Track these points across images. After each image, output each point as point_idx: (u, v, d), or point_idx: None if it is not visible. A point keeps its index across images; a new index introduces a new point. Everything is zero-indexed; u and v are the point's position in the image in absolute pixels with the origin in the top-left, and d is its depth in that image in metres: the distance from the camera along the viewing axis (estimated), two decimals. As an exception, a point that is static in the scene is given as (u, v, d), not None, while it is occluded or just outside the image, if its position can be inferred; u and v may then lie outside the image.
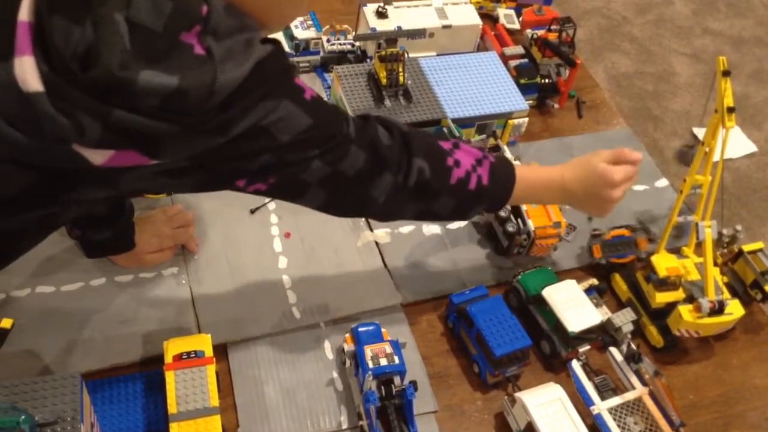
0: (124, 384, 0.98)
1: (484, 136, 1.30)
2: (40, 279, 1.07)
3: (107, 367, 0.99)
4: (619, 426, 0.96)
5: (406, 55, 1.31)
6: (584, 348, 1.05)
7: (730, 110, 0.99)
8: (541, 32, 1.50)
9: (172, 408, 0.88)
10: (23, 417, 0.72)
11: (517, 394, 0.97)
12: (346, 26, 1.45)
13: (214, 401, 0.90)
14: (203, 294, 1.09)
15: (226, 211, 1.20)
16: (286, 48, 1.40)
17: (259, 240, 1.17)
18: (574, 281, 1.09)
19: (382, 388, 0.95)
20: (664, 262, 1.08)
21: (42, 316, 1.03)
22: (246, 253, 1.15)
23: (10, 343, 0.93)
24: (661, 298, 1.08)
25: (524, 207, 1.17)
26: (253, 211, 1.21)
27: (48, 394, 0.79)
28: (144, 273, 1.10)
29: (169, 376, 0.91)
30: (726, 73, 1.00)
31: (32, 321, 1.01)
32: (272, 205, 1.22)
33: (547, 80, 1.43)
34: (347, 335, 1.02)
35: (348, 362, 1.01)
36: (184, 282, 1.10)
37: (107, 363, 0.99)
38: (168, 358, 0.93)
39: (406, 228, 1.22)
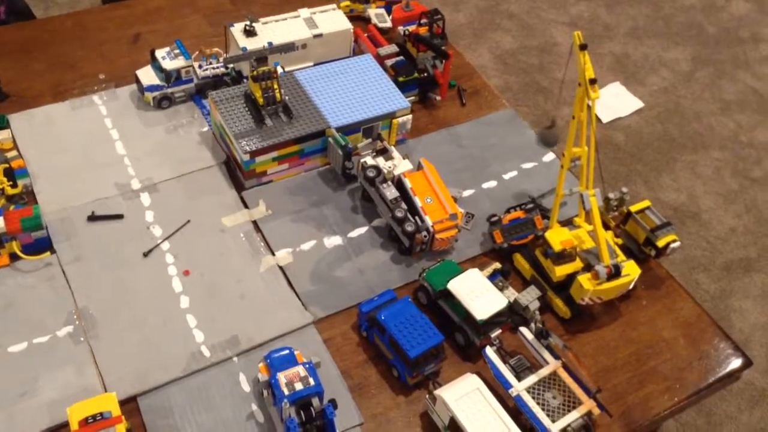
0: (31, 460, 0.93)
1: (370, 139, 1.30)
2: None
3: (11, 445, 0.94)
4: (538, 403, 0.98)
5: (279, 71, 1.29)
6: (496, 333, 1.07)
7: (592, 82, 1.02)
8: (412, 27, 1.51)
9: (83, 477, 0.85)
10: None
11: (437, 392, 0.98)
12: (216, 49, 1.42)
13: (129, 461, 0.87)
14: (104, 349, 1.04)
15: (117, 258, 1.15)
16: (157, 81, 1.36)
17: (156, 282, 1.14)
18: (476, 270, 1.10)
19: (302, 412, 0.93)
20: (557, 236, 1.11)
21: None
22: (144, 299, 1.11)
23: None
24: (561, 270, 1.11)
25: (419, 203, 1.18)
26: (146, 254, 1.17)
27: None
28: (38, 338, 1.05)
29: (77, 444, 0.87)
30: (583, 47, 1.03)
31: None
32: (166, 244, 1.18)
33: (425, 74, 1.44)
34: (261, 364, 1.00)
35: (265, 392, 0.99)
36: (81, 340, 1.05)
37: (13, 440, 0.94)
38: (74, 425, 0.89)
39: (307, 244, 1.21)
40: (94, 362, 1.03)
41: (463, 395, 0.97)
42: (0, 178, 1.20)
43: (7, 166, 1.23)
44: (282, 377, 0.95)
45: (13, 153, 1.27)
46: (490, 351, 1.04)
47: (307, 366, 0.97)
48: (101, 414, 0.90)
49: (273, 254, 1.19)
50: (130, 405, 0.99)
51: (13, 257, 1.12)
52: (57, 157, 1.29)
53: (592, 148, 1.08)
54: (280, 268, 1.17)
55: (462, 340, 1.09)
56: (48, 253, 1.14)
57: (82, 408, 0.91)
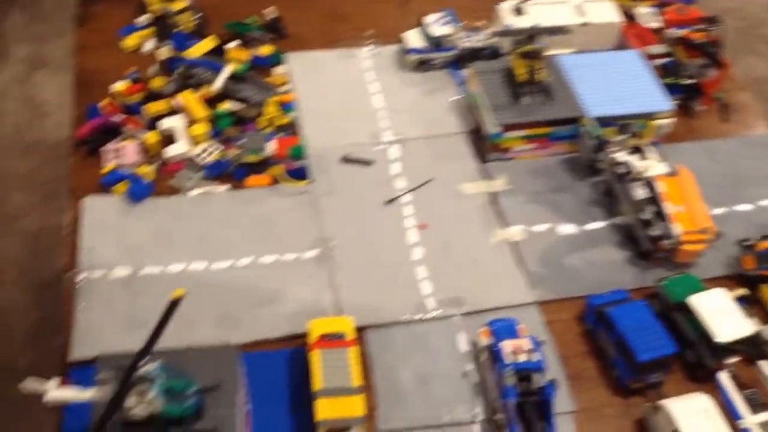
0: (268, 358, 1.01)
1: (625, 135, 1.26)
2: (194, 255, 1.13)
3: (250, 342, 1.03)
4: (771, 443, 0.92)
5: (546, 52, 1.29)
6: (732, 360, 1.01)
7: None
8: (684, 31, 1.45)
9: (317, 384, 0.91)
10: (189, 382, 0.77)
11: (662, 402, 0.94)
12: (483, 22, 1.45)
13: (357, 381, 0.92)
14: (341, 278, 1.11)
15: (361, 203, 1.22)
16: (422, 45, 1.42)
17: (393, 230, 1.19)
18: (723, 290, 1.04)
19: (521, 384, 0.94)
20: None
21: (194, 291, 1.08)
22: (381, 242, 1.17)
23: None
24: (821, 311, 1.02)
25: (670, 210, 1.13)
26: (388, 202, 1.23)
27: (208, 363, 0.83)
28: (287, 255, 1.14)
29: (315, 355, 0.94)
30: None
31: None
32: (407, 197, 1.23)
33: (693, 81, 1.37)
34: (483, 329, 1.02)
35: (483, 356, 1.01)
36: (324, 265, 1.13)
37: (252, 338, 1.04)
38: (312, 338, 0.96)
39: (542, 226, 1.21)
40: (331, 287, 1.10)
41: (691, 413, 0.92)
42: (274, 108, 1.32)
43: (279, 98, 1.35)
44: (507, 346, 0.96)
45: (286, 87, 1.39)
46: (723, 376, 0.98)
47: (533, 341, 0.98)
48: (338, 334, 0.97)
49: (506, 228, 1.20)
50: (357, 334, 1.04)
51: (276, 180, 1.23)
52: (321, 98, 1.38)
53: None
54: (512, 243, 1.18)
55: (692, 357, 1.04)
56: (305, 182, 1.23)
57: (322, 324, 0.98)
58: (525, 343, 0.97)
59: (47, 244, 2.03)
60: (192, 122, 1.27)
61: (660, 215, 1.14)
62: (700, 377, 1.04)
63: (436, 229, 1.20)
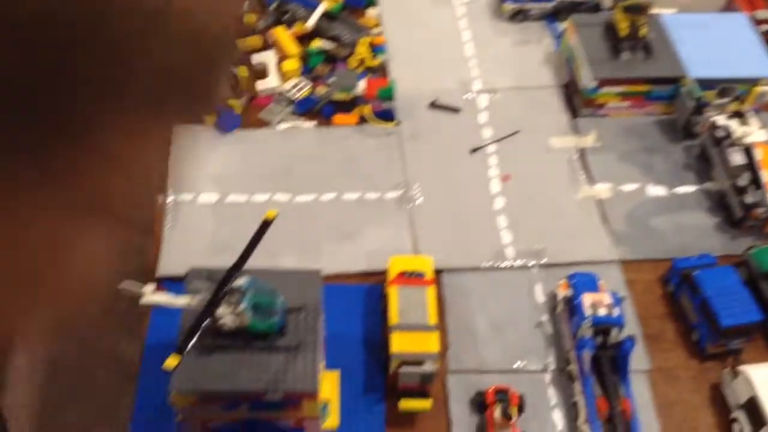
0: (345, 291, 1.04)
1: (726, 99, 1.21)
2: (278, 187, 1.15)
3: (331, 275, 1.05)
4: None
5: (651, 9, 1.25)
6: (823, 334, 0.97)
7: None
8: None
9: (393, 319, 0.93)
10: (279, 300, 0.79)
11: (742, 367, 0.92)
12: (584, -25, 1.40)
13: (433, 319, 0.93)
14: (422, 221, 1.12)
15: (446, 149, 1.22)
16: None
17: (477, 178, 1.19)
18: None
19: (598, 337, 0.93)
20: None
21: (277, 222, 1.11)
22: (464, 189, 1.17)
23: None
24: None
25: (767, 179, 1.09)
26: (473, 151, 1.22)
27: (293, 286, 0.85)
28: (369, 194, 1.15)
29: (393, 291, 0.96)
30: None
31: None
32: (493, 147, 1.22)
33: (802, 48, 1.30)
34: (562, 282, 1.02)
35: (560, 307, 1.00)
36: (405, 207, 1.14)
37: (332, 271, 1.06)
38: (392, 275, 0.97)
39: (630, 186, 1.18)
40: (411, 229, 1.11)
41: (773, 381, 0.90)
42: (365, 49, 1.32)
43: (371, 39, 1.35)
44: (587, 298, 0.96)
45: (377, 30, 1.39)
46: (811, 348, 0.95)
47: (613, 297, 0.96)
48: (417, 272, 0.98)
49: (593, 185, 1.18)
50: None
51: (363, 120, 1.24)
52: (412, 43, 1.38)
53: None
54: (598, 200, 1.16)
55: (777, 328, 1.00)
56: (392, 123, 1.23)
57: (402, 262, 0.99)
58: (605, 297, 0.96)
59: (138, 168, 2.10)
60: (284, 58, 1.29)
61: (756, 183, 1.10)
62: (784, 350, 1.01)
63: (520, 180, 1.18)
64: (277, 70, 1.27)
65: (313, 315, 0.83)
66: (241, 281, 0.76)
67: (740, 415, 0.91)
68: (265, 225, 0.79)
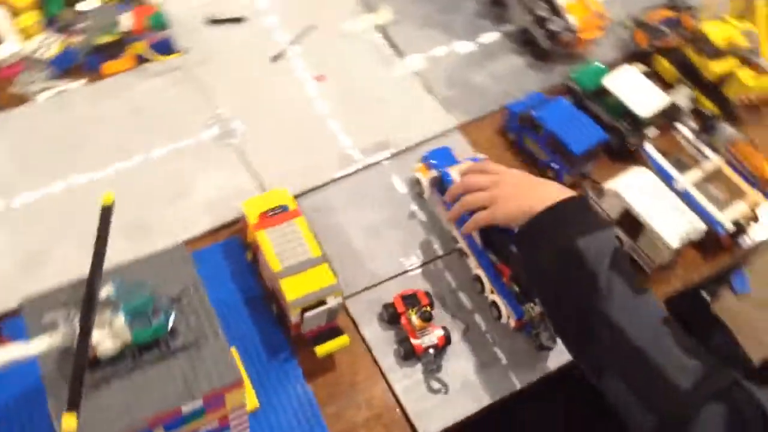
0: (200, 257, 0.90)
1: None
2: (69, 168, 0.96)
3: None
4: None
5: None
6: (654, 133, 1.04)
7: None
8: None
9: (275, 266, 0.83)
10: (150, 297, 0.65)
11: (606, 184, 0.95)
12: None
13: (316, 251, 0.84)
14: (252, 152, 1.00)
15: (245, 61, 1.09)
16: None
17: (289, 87, 1.08)
18: (632, 66, 1.05)
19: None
20: (718, 32, 1.05)
21: (84, 208, 0.92)
22: (280, 103, 1.06)
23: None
24: (718, 67, 1.07)
25: (562, 2, 1.11)
26: (274, 58, 1.10)
27: (162, 270, 0.71)
28: (181, 142, 1.00)
29: (261, 236, 0.85)
30: None
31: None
32: (293, 50, 1.11)
33: None
34: (419, 165, 0.98)
35: (428, 191, 0.97)
36: (228, 143, 1.01)
37: (170, 242, 0.91)
38: (253, 219, 0.86)
39: (439, 50, 1.15)
40: (245, 164, 0.99)
41: (636, 187, 0.94)
42: (107, -23, 1.10)
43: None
44: (453, 171, 0.93)
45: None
46: (650, 147, 1.01)
47: (474, 161, 0.94)
48: (280, 207, 0.87)
49: (403, 59, 1.13)
50: (291, 205, 0.96)
51: (140, 60, 1.05)
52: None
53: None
54: (415, 73, 1.12)
55: (615, 141, 1.06)
56: (176, 54, 1.06)
57: (257, 202, 0.88)
58: (467, 164, 0.93)
59: None
60: (16, 13, 1.03)
61: (554, 11, 1.12)
62: (623, 159, 1.06)
63: (334, 77, 1.10)
64: (13, 30, 1.02)
65: (198, 295, 0.70)
66: (107, 289, 0.62)
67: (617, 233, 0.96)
68: (107, 212, 0.65)
